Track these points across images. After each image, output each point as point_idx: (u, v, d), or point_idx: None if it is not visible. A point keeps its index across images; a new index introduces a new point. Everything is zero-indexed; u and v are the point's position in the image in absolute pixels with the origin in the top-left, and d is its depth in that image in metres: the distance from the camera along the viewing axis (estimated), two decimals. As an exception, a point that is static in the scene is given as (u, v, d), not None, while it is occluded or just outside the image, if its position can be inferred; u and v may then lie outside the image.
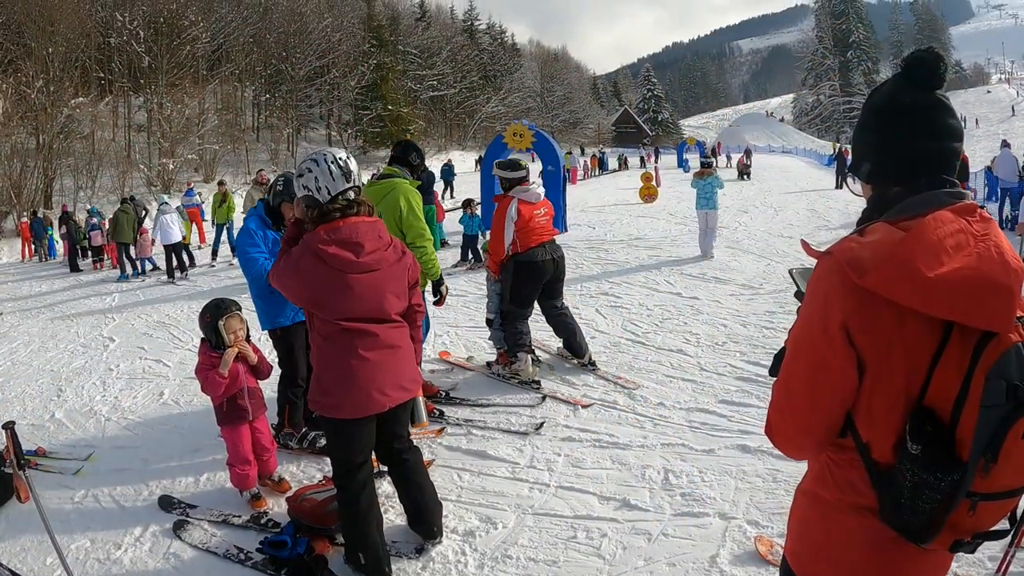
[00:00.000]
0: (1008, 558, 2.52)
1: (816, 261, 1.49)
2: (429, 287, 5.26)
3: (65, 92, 33.43)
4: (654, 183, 23.58)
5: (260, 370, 4.30)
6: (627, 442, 4.68)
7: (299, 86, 52.12)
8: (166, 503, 4.30)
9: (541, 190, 6.28)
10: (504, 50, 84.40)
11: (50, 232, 22.77)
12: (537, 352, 6.55)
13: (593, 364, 6.22)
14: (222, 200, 16.51)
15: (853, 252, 1.38)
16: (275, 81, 51.30)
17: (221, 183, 18.19)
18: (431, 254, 5.16)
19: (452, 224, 15.83)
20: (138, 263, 15.91)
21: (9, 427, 3.15)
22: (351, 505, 3.27)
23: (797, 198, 22.90)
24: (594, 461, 4.45)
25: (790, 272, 1.93)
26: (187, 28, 43.31)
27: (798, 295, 1.79)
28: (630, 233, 15.00)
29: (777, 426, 1.56)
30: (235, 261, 14.35)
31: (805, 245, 1.65)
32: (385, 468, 3.68)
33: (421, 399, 3.63)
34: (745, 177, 32.45)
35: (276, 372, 4.75)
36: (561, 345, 6.45)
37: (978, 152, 37.78)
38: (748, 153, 38.75)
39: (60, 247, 21.66)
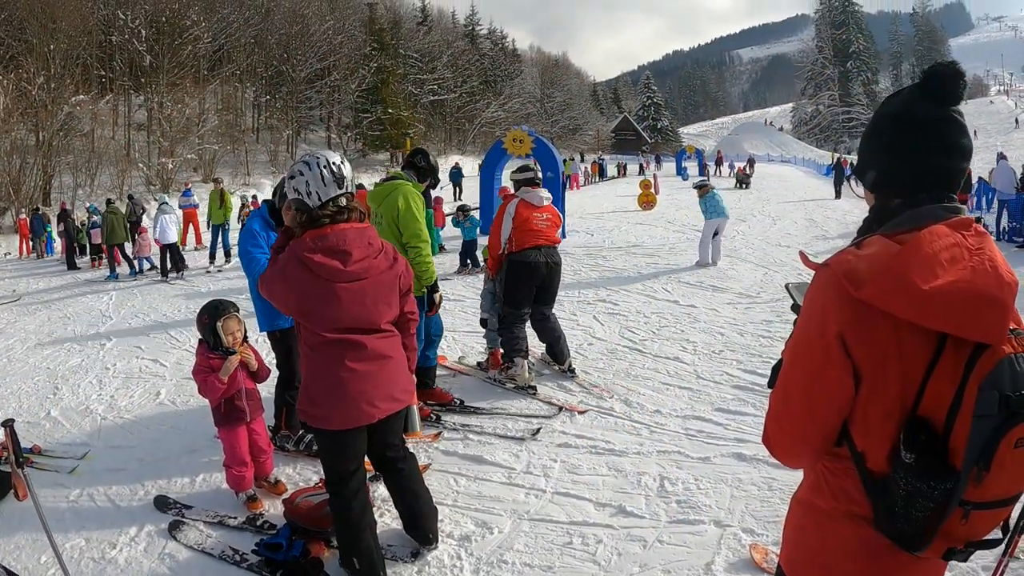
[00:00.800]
0: (1001, 567, 2.52)
1: (813, 272, 1.50)
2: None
3: (66, 89, 33.41)
4: (653, 191, 23.63)
5: (259, 374, 4.27)
6: (623, 449, 4.69)
7: (299, 88, 52.12)
8: (162, 503, 4.28)
9: (546, 195, 6.31)
10: (505, 55, 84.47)
11: (48, 229, 22.73)
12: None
13: (572, 371, 6.24)
14: (220, 201, 16.36)
15: (850, 264, 1.40)
16: (276, 82, 51.30)
17: (216, 180, 18.01)
18: (426, 256, 5.11)
19: (452, 229, 15.84)
20: (135, 262, 15.91)
21: (8, 425, 3.14)
22: (344, 511, 3.25)
23: (795, 207, 23.02)
24: (590, 467, 4.45)
25: (786, 286, 1.97)
26: (189, 28, 43.31)
27: (795, 308, 1.81)
28: (628, 240, 15.08)
29: (774, 435, 1.57)
30: (230, 264, 14.40)
31: (803, 256, 1.67)
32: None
33: (415, 407, 3.62)
34: (744, 186, 32.50)
35: (274, 374, 4.75)
36: (544, 351, 6.48)
37: (976, 163, 37.68)
38: (751, 162, 38.82)
39: (58, 244, 21.63)
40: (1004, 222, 15.22)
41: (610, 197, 29.16)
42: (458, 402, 5.59)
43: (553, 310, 6.39)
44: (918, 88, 1.49)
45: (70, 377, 7.63)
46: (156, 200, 16.67)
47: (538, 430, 5.01)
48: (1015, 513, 1.53)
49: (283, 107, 51.05)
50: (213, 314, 4.12)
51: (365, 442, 3.29)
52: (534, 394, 5.80)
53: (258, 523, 3.98)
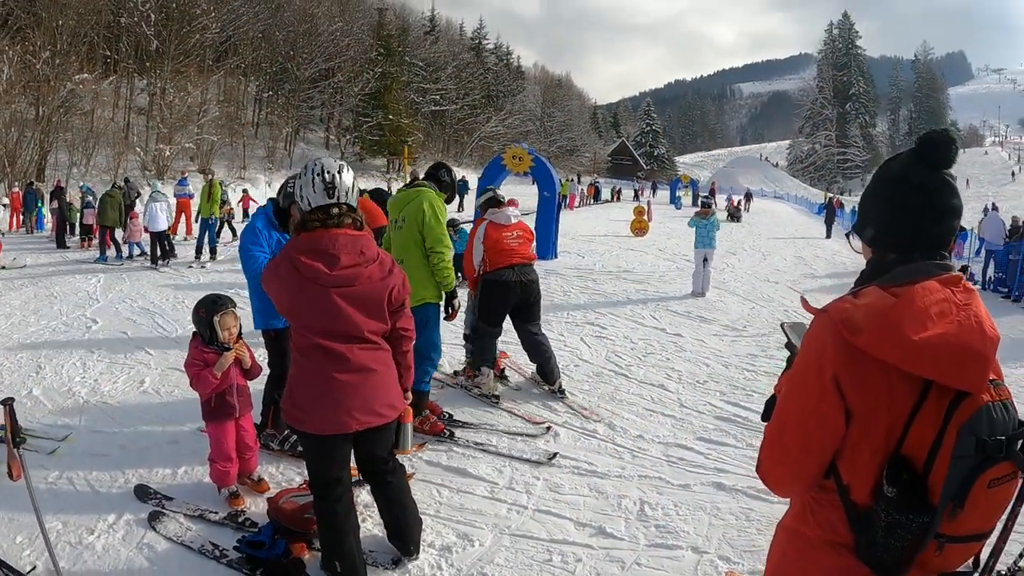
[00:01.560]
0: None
1: (812, 317, 1.61)
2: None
3: (70, 66, 33.06)
4: (646, 217, 23.73)
5: (251, 371, 4.30)
6: (605, 471, 4.74)
7: (303, 86, 52.01)
8: (142, 492, 4.27)
9: (514, 212, 6.49)
10: (509, 71, 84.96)
11: (40, 205, 22.51)
12: (510, 375, 6.76)
13: (562, 392, 6.31)
14: (209, 192, 16.08)
15: (848, 312, 1.51)
16: (279, 79, 51.19)
17: (206, 172, 17.64)
18: (448, 262, 5.23)
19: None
20: (125, 247, 15.82)
21: (8, 403, 3.12)
22: (327, 515, 3.26)
23: (786, 244, 23.30)
24: (572, 487, 4.49)
25: (782, 325, 2.06)
26: (198, 16, 43.05)
27: (788, 346, 1.93)
28: (619, 265, 15.18)
29: (768, 466, 1.66)
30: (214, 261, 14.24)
31: (804, 302, 1.77)
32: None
33: (410, 426, 3.62)
34: (735, 219, 32.73)
35: (264, 372, 4.76)
36: (535, 370, 6.56)
37: (966, 213, 38.16)
38: (748, 197, 39.06)
39: (48, 221, 21.42)
40: (991, 272, 15.46)
41: (603, 220, 29.30)
42: (446, 415, 5.61)
43: (542, 330, 6.48)
44: (914, 153, 1.63)
45: (54, 357, 7.57)
46: (150, 187, 16.43)
47: (555, 455, 4.97)
48: (986, 550, 1.65)
49: (284, 104, 50.90)
50: (211, 308, 4.13)
51: (349, 450, 3.28)
52: (497, 403, 5.96)
53: (240, 520, 3.97)
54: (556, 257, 15.92)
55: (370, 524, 3.87)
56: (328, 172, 3.08)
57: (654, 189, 58.64)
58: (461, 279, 6.58)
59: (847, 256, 20.34)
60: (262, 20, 50.21)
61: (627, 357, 7.73)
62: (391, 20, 64.23)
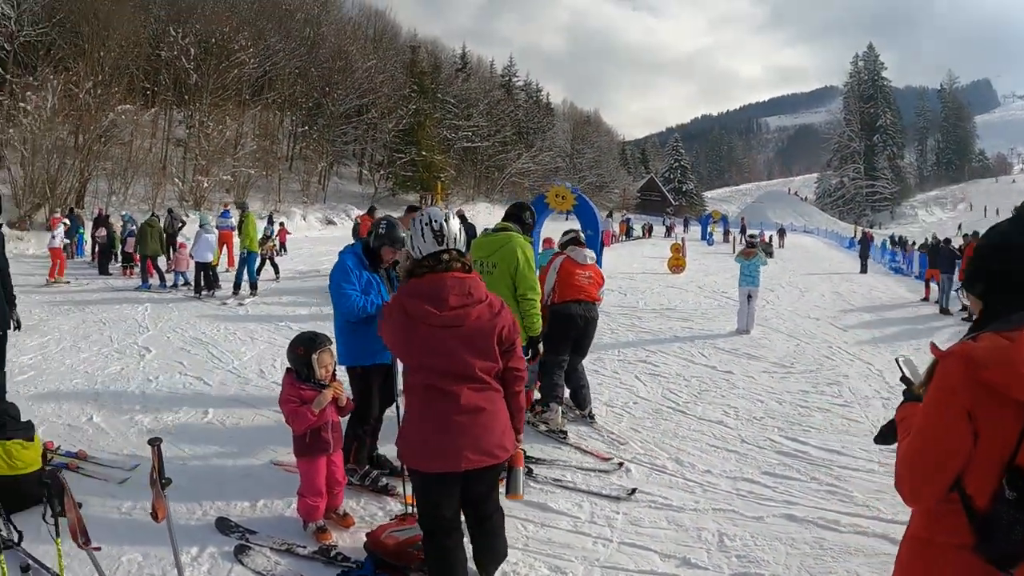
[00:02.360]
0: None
1: (936, 358, 1.96)
2: None
3: (112, 97, 33.87)
4: (682, 255, 23.74)
5: (345, 408, 4.38)
6: (680, 505, 4.88)
7: (337, 122, 52.72)
8: (223, 525, 4.25)
9: (590, 254, 6.93)
10: (539, 108, 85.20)
11: (81, 231, 22.92)
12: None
13: (592, 417, 6.60)
14: (244, 226, 15.31)
15: (973, 353, 1.85)
16: (314, 114, 51.90)
17: (240, 205, 17.06)
18: (538, 308, 5.47)
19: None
20: (169, 276, 15.99)
21: (156, 444, 3.20)
22: (437, 553, 3.31)
23: (821, 280, 23.38)
24: (651, 521, 4.62)
25: (897, 360, 2.45)
26: (236, 52, 43.89)
27: (904, 380, 2.29)
28: (661, 303, 15.34)
29: (908, 480, 1.95)
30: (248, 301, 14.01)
31: (933, 347, 2.04)
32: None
33: (521, 470, 3.60)
34: (768, 256, 32.46)
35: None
36: (568, 395, 6.78)
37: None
38: (782, 233, 38.76)
39: (88, 247, 21.82)
40: None
41: (638, 257, 29.36)
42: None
43: (594, 367, 6.97)
44: (1012, 222, 2.06)
45: (111, 384, 7.66)
46: (197, 218, 16.44)
47: (633, 490, 5.09)
48: None
49: (319, 139, 51.61)
50: (309, 346, 4.19)
51: (456, 490, 3.28)
52: (564, 439, 6.11)
53: (331, 554, 3.99)
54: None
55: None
56: (435, 221, 3.24)
57: (686, 225, 58.56)
58: None
59: (883, 291, 20.55)
60: (298, 56, 51.15)
61: (683, 394, 7.85)
62: (423, 58, 65.06)
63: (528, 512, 4.65)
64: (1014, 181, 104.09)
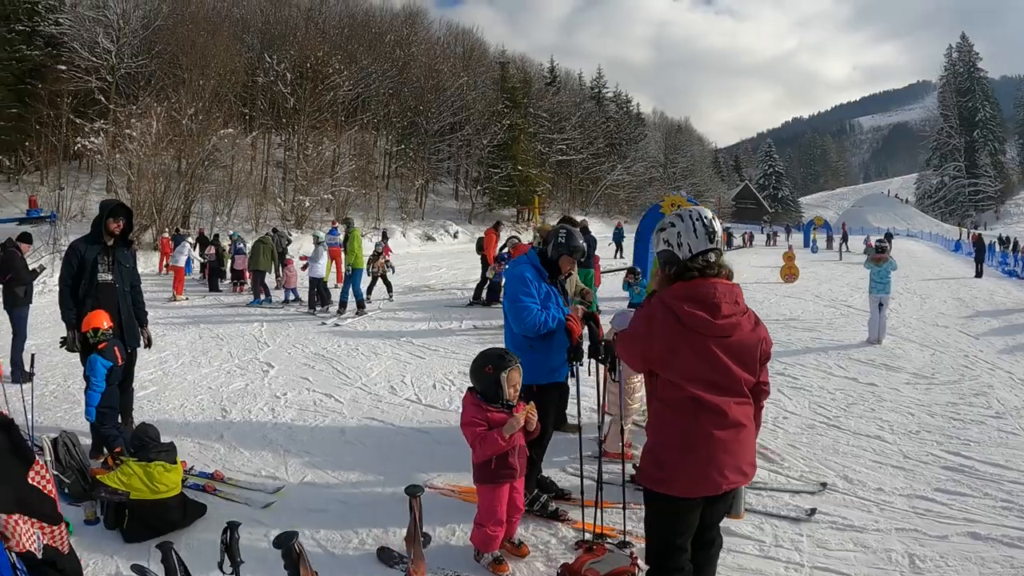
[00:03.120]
0: None
1: None
2: None
3: (213, 122, 35.25)
4: (795, 262, 23.20)
5: (533, 432, 4.07)
6: (862, 525, 4.75)
7: (431, 139, 53.73)
8: (386, 556, 3.88)
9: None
10: (629, 118, 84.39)
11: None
12: None
13: None
14: (348, 243, 14.99)
15: None
16: (409, 133, 52.84)
17: (346, 222, 16.42)
18: None
19: (609, 289, 16.37)
20: (281, 292, 16.06)
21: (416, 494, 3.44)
22: None
23: (938, 286, 22.66)
24: (837, 543, 4.50)
25: None
26: (330, 75, 45.21)
27: None
28: (783, 313, 15.02)
29: None
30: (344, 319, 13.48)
31: None
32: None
33: (744, 489, 3.07)
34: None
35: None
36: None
37: None
38: (889, 237, 36.82)
39: (196, 265, 22.59)
40: None
41: (746, 267, 28.51)
42: None
43: None
44: None
45: (237, 401, 7.49)
46: (315, 236, 16.29)
47: (814, 510, 4.92)
48: None
49: (414, 156, 52.40)
50: (498, 365, 3.93)
51: (698, 516, 3.04)
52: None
53: None
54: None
55: None
56: (705, 217, 3.07)
57: (788, 231, 56.59)
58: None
59: (1004, 296, 19.64)
60: (390, 77, 52.39)
61: (831, 408, 7.68)
62: (513, 73, 65.31)
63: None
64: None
